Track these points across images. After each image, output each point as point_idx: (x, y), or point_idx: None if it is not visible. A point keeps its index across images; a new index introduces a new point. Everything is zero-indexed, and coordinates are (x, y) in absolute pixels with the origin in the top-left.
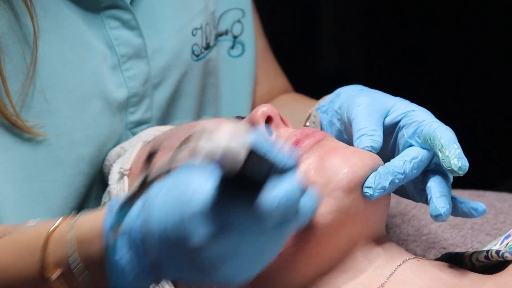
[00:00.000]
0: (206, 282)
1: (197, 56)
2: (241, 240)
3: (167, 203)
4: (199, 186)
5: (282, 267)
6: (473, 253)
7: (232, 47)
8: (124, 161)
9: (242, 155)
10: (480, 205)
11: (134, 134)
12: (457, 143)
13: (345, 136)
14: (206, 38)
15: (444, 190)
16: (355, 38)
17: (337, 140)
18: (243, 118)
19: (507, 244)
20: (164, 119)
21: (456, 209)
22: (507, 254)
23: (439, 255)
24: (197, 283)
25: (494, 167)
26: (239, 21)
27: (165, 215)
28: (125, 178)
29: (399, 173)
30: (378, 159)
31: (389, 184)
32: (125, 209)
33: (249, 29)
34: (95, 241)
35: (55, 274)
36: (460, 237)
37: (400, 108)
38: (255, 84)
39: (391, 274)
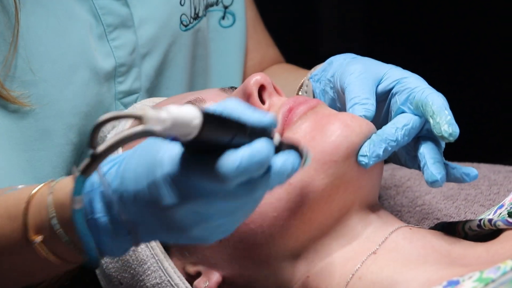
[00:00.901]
0: (181, 242)
1: (185, 26)
2: (207, 204)
3: (140, 166)
4: (166, 151)
5: (275, 232)
6: (465, 222)
7: (223, 18)
8: (118, 132)
9: (195, 121)
10: (472, 170)
11: (123, 104)
12: (449, 109)
13: (338, 104)
14: (195, 8)
15: (437, 156)
16: (356, 22)
17: (331, 108)
18: (235, 88)
19: (500, 213)
20: (153, 89)
21: (448, 175)
22: (499, 223)
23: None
24: (173, 243)
25: (494, 147)
26: None
27: (138, 177)
28: (119, 149)
29: (391, 140)
30: (372, 127)
31: (383, 152)
32: (80, 181)
33: (240, 1)
34: (68, 205)
35: (38, 239)
36: (454, 208)
37: (392, 75)
38: (246, 54)
39: (383, 241)
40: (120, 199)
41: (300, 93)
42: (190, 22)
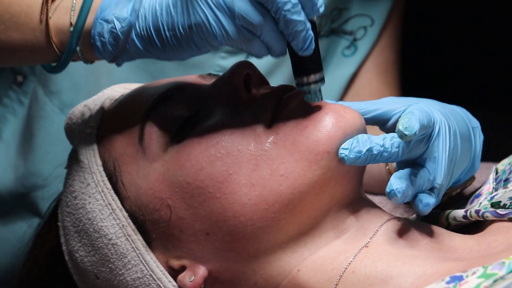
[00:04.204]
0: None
1: None
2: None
3: None
4: None
5: (265, 225)
6: (450, 212)
7: (348, 47)
8: (91, 118)
9: None
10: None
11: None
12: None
13: None
14: (319, 25)
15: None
16: None
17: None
18: (214, 75)
19: (480, 203)
20: None
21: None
22: (487, 214)
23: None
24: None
25: None
26: (365, 28)
27: None
28: (93, 135)
29: (377, 144)
30: (364, 121)
31: (366, 150)
32: None
33: (371, 38)
34: None
35: None
36: None
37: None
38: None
39: (374, 234)
40: None
41: None
42: None
